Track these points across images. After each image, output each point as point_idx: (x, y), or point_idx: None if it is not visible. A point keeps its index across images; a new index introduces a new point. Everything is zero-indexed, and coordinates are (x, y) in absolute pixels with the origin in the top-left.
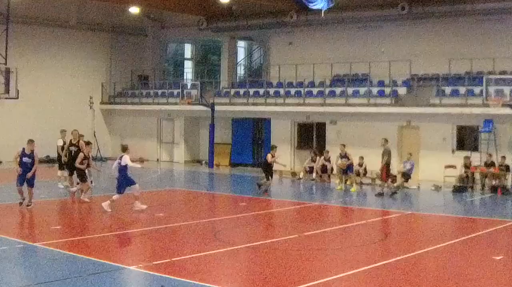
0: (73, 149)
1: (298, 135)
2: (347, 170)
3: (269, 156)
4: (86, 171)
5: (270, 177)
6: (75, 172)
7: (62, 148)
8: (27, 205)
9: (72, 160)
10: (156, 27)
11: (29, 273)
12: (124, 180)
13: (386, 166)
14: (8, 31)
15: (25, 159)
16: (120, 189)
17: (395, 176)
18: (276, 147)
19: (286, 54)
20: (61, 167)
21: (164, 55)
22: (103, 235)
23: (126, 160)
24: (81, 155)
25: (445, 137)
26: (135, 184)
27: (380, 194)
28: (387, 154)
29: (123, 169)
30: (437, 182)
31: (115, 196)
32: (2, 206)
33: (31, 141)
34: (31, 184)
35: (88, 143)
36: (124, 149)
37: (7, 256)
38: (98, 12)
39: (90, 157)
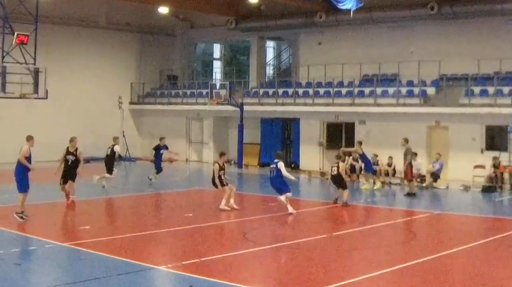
0: (70, 157)
1: (327, 135)
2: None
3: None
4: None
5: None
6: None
7: (113, 155)
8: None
9: (70, 169)
10: (185, 27)
11: (58, 273)
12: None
13: (410, 165)
14: (37, 31)
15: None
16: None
17: (424, 176)
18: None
19: (315, 54)
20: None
21: (193, 55)
22: (132, 235)
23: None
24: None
25: (474, 137)
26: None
27: (409, 194)
28: (409, 153)
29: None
30: (466, 182)
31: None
32: (31, 206)
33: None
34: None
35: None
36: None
37: (36, 256)
38: (128, 13)
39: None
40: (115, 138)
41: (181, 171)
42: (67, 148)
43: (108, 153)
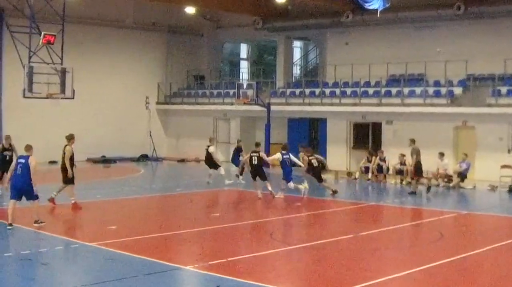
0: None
1: (354, 135)
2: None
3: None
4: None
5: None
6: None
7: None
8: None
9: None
10: (212, 27)
11: (84, 273)
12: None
13: (417, 164)
14: (64, 31)
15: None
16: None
17: (451, 176)
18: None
19: (342, 54)
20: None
21: (220, 55)
22: (159, 235)
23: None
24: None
25: (501, 137)
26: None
27: (413, 193)
28: (415, 152)
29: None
30: (493, 182)
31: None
32: (59, 205)
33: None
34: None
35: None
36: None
37: (63, 256)
38: (154, 12)
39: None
40: (211, 139)
41: (208, 171)
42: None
43: (206, 154)
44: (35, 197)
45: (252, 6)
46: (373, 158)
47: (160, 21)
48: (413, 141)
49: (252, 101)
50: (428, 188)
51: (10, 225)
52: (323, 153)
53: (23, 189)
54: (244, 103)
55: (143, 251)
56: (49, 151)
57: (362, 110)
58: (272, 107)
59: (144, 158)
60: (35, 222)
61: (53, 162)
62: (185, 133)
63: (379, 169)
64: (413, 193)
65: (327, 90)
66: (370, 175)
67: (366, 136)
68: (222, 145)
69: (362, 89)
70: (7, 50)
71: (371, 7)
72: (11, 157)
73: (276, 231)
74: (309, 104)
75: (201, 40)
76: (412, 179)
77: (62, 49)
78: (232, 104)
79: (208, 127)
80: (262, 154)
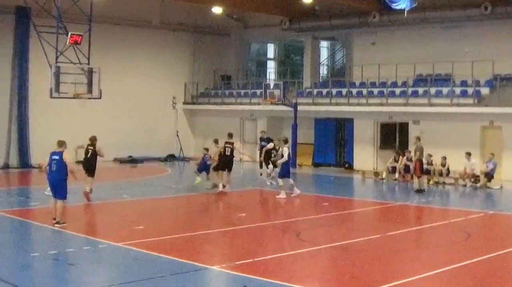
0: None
1: (381, 135)
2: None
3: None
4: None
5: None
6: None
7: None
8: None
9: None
10: (239, 27)
11: (112, 273)
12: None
13: (419, 162)
14: (91, 32)
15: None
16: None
17: (478, 176)
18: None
19: (369, 54)
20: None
21: (247, 55)
22: (186, 235)
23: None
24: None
25: None
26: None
27: (419, 191)
28: (419, 150)
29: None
30: None
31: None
32: (85, 205)
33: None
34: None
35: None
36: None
37: (90, 256)
38: (181, 12)
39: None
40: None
41: (235, 171)
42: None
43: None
44: (64, 197)
45: (279, 6)
46: (400, 157)
47: (187, 21)
48: (418, 139)
49: (279, 101)
50: (422, 190)
51: (55, 219)
52: (350, 153)
53: (56, 185)
54: (271, 104)
55: (170, 251)
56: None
57: (389, 110)
58: (299, 107)
59: (171, 158)
60: (57, 223)
61: (79, 162)
62: (212, 134)
63: (406, 168)
64: (421, 191)
65: (354, 90)
66: (397, 174)
67: (393, 136)
68: (249, 145)
69: (389, 89)
70: (34, 50)
71: (398, 7)
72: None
73: (303, 231)
74: (336, 104)
75: (228, 40)
76: (419, 177)
77: (89, 49)
78: (259, 104)
79: (235, 128)
80: (237, 145)
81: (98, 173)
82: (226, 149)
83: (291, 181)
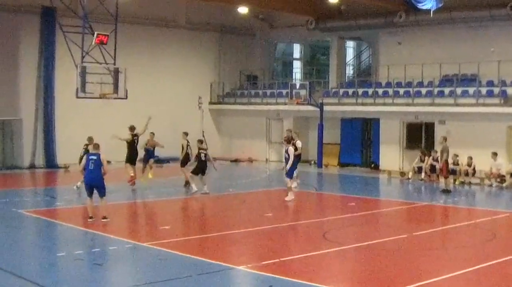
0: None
1: (407, 135)
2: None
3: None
4: None
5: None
6: None
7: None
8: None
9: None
10: (264, 27)
11: (138, 273)
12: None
13: (446, 163)
14: (117, 31)
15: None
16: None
17: (504, 176)
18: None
19: (395, 54)
20: None
21: (273, 55)
22: (212, 235)
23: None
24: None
25: None
26: None
27: (445, 191)
28: (446, 151)
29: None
30: None
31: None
32: (111, 206)
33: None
34: None
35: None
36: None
37: (116, 255)
38: (207, 12)
39: None
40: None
41: (261, 170)
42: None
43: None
44: (104, 194)
45: (305, 6)
46: (426, 157)
47: (213, 21)
48: (445, 139)
49: (305, 101)
50: (448, 190)
51: (91, 217)
52: (376, 153)
53: (96, 184)
54: (297, 103)
55: (196, 251)
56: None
57: (415, 110)
58: (325, 107)
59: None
60: (103, 217)
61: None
62: (238, 134)
63: (432, 168)
64: (447, 191)
65: (380, 90)
66: (423, 174)
67: (419, 136)
68: (275, 145)
69: (415, 89)
70: (60, 50)
71: (424, 7)
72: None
73: (329, 231)
74: (362, 104)
75: (254, 40)
76: (446, 177)
77: (115, 49)
78: (285, 104)
79: (261, 127)
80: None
81: (124, 173)
82: (201, 154)
83: (288, 183)
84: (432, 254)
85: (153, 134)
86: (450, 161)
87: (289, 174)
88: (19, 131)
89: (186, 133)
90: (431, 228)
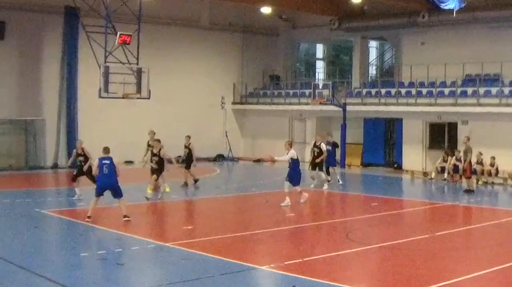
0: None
1: (430, 135)
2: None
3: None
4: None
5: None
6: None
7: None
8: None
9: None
10: (287, 27)
11: (160, 273)
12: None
13: (469, 164)
14: (140, 32)
15: None
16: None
17: None
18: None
19: (417, 54)
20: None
21: (296, 55)
22: (234, 235)
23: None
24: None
25: None
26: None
27: (467, 191)
28: (470, 151)
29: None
30: None
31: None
32: (133, 206)
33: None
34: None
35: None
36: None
37: (139, 255)
38: (230, 13)
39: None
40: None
41: (284, 171)
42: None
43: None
44: (121, 195)
45: (328, 6)
46: (449, 157)
47: (236, 21)
48: (468, 139)
49: (328, 101)
50: (471, 190)
51: (89, 217)
52: (399, 153)
53: (111, 186)
54: (320, 103)
55: (219, 251)
56: (125, 150)
57: (437, 110)
58: (348, 107)
59: (220, 158)
60: (125, 217)
61: (129, 162)
62: (261, 134)
63: (455, 168)
64: (470, 191)
65: (403, 90)
66: (446, 174)
67: (442, 136)
68: (299, 145)
69: (438, 89)
70: (83, 50)
71: (447, 7)
72: (84, 161)
73: (352, 231)
74: (385, 104)
75: (277, 40)
76: (468, 177)
77: (138, 49)
78: (308, 104)
79: (283, 127)
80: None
81: (146, 173)
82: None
83: (286, 188)
84: (455, 254)
85: (154, 133)
86: (474, 159)
87: (294, 180)
88: (42, 131)
89: (189, 137)
90: (454, 228)
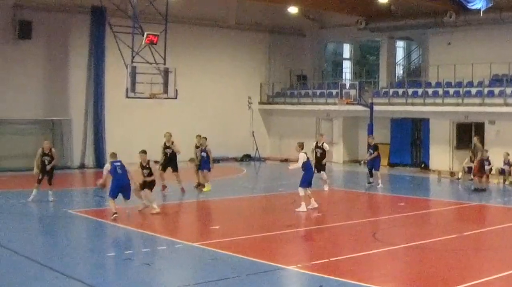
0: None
1: (457, 135)
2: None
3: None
4: None
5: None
6: None
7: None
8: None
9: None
10: (314, 27)
11: (187, 273)
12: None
13: (479, 163)
14: (167, 31)
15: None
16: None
17: None
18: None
19: (444, 54)
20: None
21: (323, 55)
22: (261, 235)
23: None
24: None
25: None
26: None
27: (477, 190)
28: (480, 151)
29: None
30: None
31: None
32: (162, 205)
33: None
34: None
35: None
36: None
37: (166, 255)
38: (257, 12)
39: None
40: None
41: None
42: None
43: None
44: (129, 197)
45: (355, 6)
46: (476, 157)
47: (263, 21)
48: (478, 140)
49: (355, 101)
50: (481, 189)
51: (115, 213)
52: (426, 153)
53: (124, 187)
54: (347, 103)
55: (246, 251)
56: (151, 151)
57: (464, 110)
58: (375, 107)
59: (247, 157)
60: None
61: (155, 162)
62: (288, 133)
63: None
64: (482, 190)
65: (430, 90)
66: (472, 174)
67: (469, 136)
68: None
69: (465, 89)
70: (109, 50)
71: (474, 7)
72: (49, 161)
73: (379, 231)
74: (412, 104)
75: (304, 40)
76: (480, 177)
77: (165, 49)
78: (334, 104)
79: (310, 127)
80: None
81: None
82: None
83: (305, 191)
84: (482, 254)
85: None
86: (501, 159)
87: (301, 181)
88: (69, 131)
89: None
90: (481, 228)
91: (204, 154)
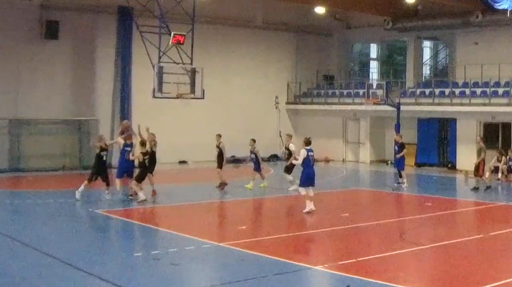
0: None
1: (484, 135)
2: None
3: None
4: None
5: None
6: None
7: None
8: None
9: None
10: (341, 27)
11: (214, 273)
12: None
13: (483, 162)
14: (194, 31)
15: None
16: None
17: None
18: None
19: (471, 54)
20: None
21: (350, 55)
22: (288, 235)
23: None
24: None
25: None
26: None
27: (476, 189)
28: (484, 151)
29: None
30: None
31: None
32: (188, 205)
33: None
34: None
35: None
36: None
37: (193, 255)
38: (284, 12)
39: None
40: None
41: (338, 170)
42: None
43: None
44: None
45: (382, 6)
46: (503, 157)
47: (290, 21)
48: (482, 139)
49: (382, 101)
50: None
51: (131, 195)
52: (453, 153)
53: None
54: (374, 103)
55: (273, 251)
56: (179, 151)
57: (491, 110)
58: (402, 107)
59: (274, 157)
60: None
61: (182, 162)
62: (315, 133)
63: (509, 168)
64: (489, 188)
65: (457, 90)
66: (500, 174)
67: (496, 136)
68: (352, 145)
69: (492, 89)
70: (136, 50)
71: (500, 7)
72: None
73: (405, 231)
74: (439, 104)
75: (331, 40)
76: (481, 176)
77: (191, 49)
78: (361, 104)
79: (337, 127)
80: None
81: (201, 173)
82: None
83: (308, 191)
84: (508, 254)
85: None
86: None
87: (301, 182)
88: (96, 131)
89: (220, 135)
90: (508, 228)
91: (253, 156)
